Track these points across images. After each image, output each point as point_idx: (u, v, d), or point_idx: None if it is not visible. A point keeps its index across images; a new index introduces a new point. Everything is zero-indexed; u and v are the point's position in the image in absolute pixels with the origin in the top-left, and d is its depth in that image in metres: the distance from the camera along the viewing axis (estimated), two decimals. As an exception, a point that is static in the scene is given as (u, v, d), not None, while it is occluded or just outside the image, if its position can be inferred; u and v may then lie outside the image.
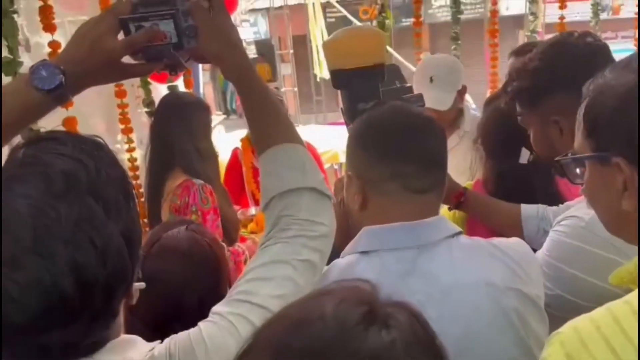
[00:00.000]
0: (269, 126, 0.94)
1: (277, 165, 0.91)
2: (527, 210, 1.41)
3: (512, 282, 0.92)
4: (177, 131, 2.03)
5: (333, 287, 0.56)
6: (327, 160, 4.42)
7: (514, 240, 1.02)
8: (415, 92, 2.10)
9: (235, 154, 2.87)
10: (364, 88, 1.17)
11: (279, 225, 0.87)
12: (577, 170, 0.87)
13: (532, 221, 1.39)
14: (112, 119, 2.55)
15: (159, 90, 2.72)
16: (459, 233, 0.98)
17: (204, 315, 0.81)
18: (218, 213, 2.01)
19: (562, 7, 2.89)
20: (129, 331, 0.80)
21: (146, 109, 2.66)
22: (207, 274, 1.15)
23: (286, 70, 8.87)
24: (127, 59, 0.93)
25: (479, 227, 1.48)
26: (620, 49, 6.31)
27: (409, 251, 0.94)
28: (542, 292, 0.97)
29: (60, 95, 0.86)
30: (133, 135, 2.55)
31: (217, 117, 5.53)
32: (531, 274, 0.96)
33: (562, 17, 2.92)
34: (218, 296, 0.89)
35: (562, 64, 1.20)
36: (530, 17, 3.13)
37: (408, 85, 1.39)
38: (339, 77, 1.20)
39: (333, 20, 12.14)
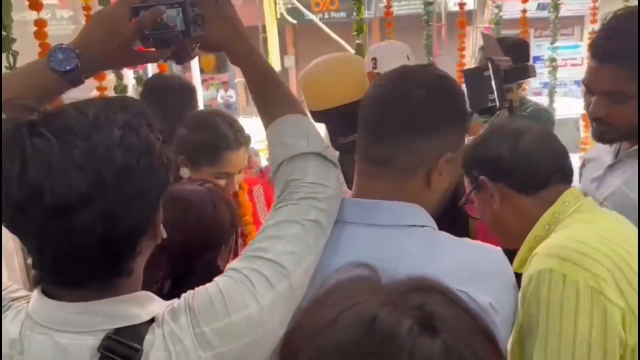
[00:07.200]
0: (273, 101, 0.98)
1: (283, 134, 0.96)
2: None
3: (463, 284, 0.79)
4: (167, 113, 1.99)
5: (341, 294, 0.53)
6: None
7: (496, 250, 0.93)
8: (392, 68, 2.16)
9: None
10: (342, 124, 1.15)
11: (288, 188, 0.92)
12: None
13: None
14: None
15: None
16: (423, 226, 0.91)
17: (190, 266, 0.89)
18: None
19: (525, 0, 3.03)
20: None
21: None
22: (201, 226, 1.17)
23: (238, 61, 8.85)
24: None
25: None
26: (562, 45, 6.64)
27: (362, 227, 0.92)
28: (500, 305, 0.86)
29: (75, 78, 0.92)
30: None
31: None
32: (490, 282, 0.87)
33: (524, 11, 3.07)
34: (205, 249, 0.92)
35: None
36: (494, 10, 3.26)
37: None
38: (316, 116, 1.20)
39: (284, 12, 12.15)
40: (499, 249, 0.93)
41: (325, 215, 0.91)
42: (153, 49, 0.98)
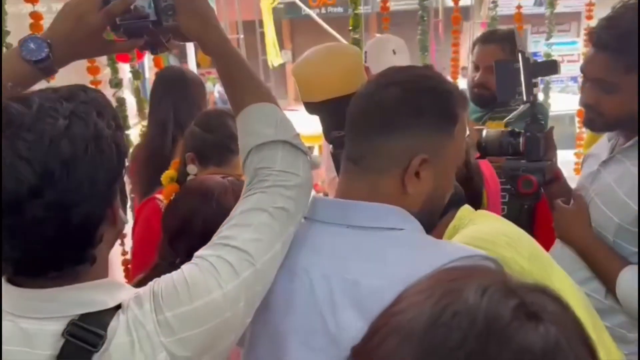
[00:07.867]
0: (243, 90, 0.99)
1: (252, 122, 0.97)
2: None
3: None
4: (183, 105, 2.02)
5: (466, 268, 0.56)
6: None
7: (476, 252, 0.89)
8: (377, 62, 2.13)
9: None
10: (335, 117, 1.10)
11: (257, 177, 0.93)
12: None
13: None
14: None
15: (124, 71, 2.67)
16: (402, 229, 0.88)
17: None
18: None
19: (520, -4, 3.03)
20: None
21: (115, 89, 2.60)
22: (221, 216, 1.22)
23: (235, 55, 8.83)
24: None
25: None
26: (559, 41, 6.65)
27: (337, 228, 0.90)
28: None
29: (47, 67, 0.94)
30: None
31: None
32: None
33: (519, 7, 3.08)
34: None
35: None
36: (490, 5, 3.26)
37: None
38: (310, 108, 1.19)
39: (282, 6, 12.11)
40: (483, 252, 0.91)
41: (294, 202, 0.92)
42: (125, 39, 1.00)
